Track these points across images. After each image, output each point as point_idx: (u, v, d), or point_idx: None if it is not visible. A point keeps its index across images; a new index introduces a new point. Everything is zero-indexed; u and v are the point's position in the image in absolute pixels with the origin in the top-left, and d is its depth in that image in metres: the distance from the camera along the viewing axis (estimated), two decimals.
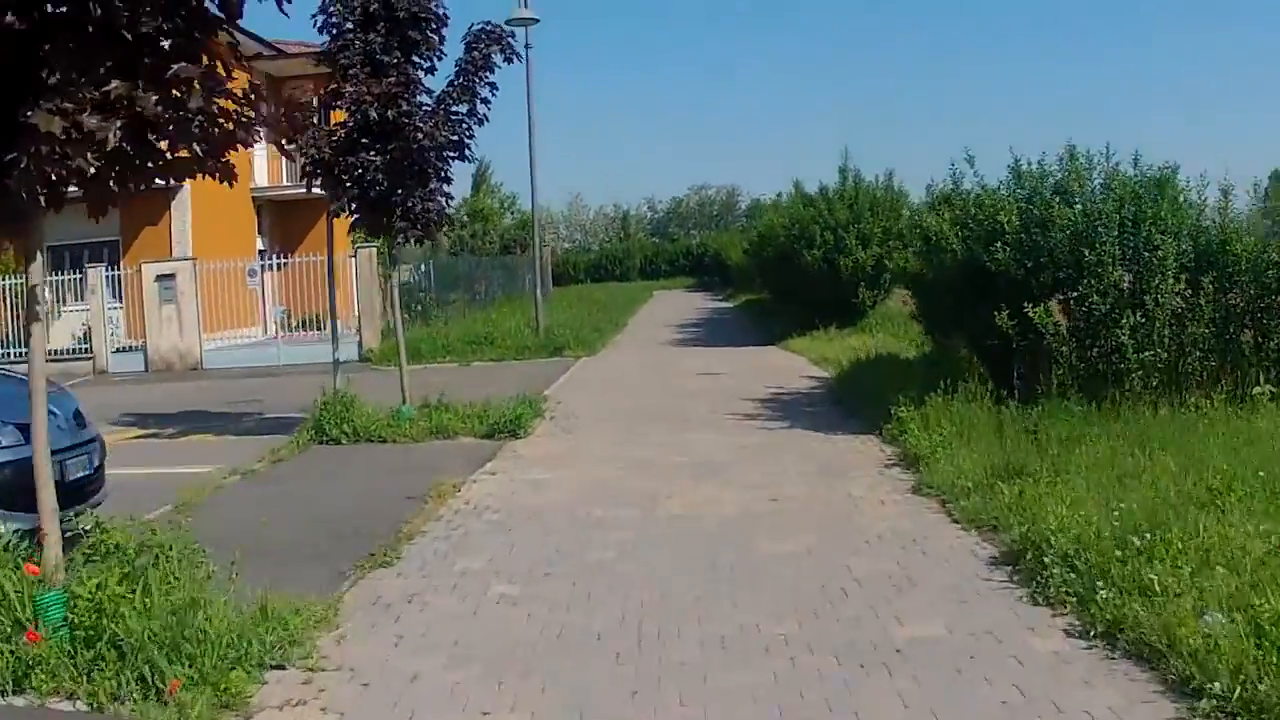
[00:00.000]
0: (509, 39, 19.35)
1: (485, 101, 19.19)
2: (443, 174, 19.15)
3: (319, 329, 37.61)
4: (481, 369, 32.31)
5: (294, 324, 47.95)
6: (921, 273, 20.12)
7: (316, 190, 20.02)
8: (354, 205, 19.01)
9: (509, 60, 19.41)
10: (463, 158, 19.65)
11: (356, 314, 38.40)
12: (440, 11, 18.93)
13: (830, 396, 21.83)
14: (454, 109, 19.01)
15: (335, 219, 20.63)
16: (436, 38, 18.95)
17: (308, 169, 19.34)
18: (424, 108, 18.65)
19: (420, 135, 18.05)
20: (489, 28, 19.30)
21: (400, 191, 18.48)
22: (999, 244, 15.89)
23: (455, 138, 18.94)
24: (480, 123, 19.33)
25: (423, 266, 71.05)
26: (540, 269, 40.56)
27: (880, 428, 16.64)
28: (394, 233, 19.48)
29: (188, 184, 41.64)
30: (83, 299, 38.34)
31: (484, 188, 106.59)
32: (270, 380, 31.65)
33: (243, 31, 8.76)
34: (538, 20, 35.13)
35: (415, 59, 18.81)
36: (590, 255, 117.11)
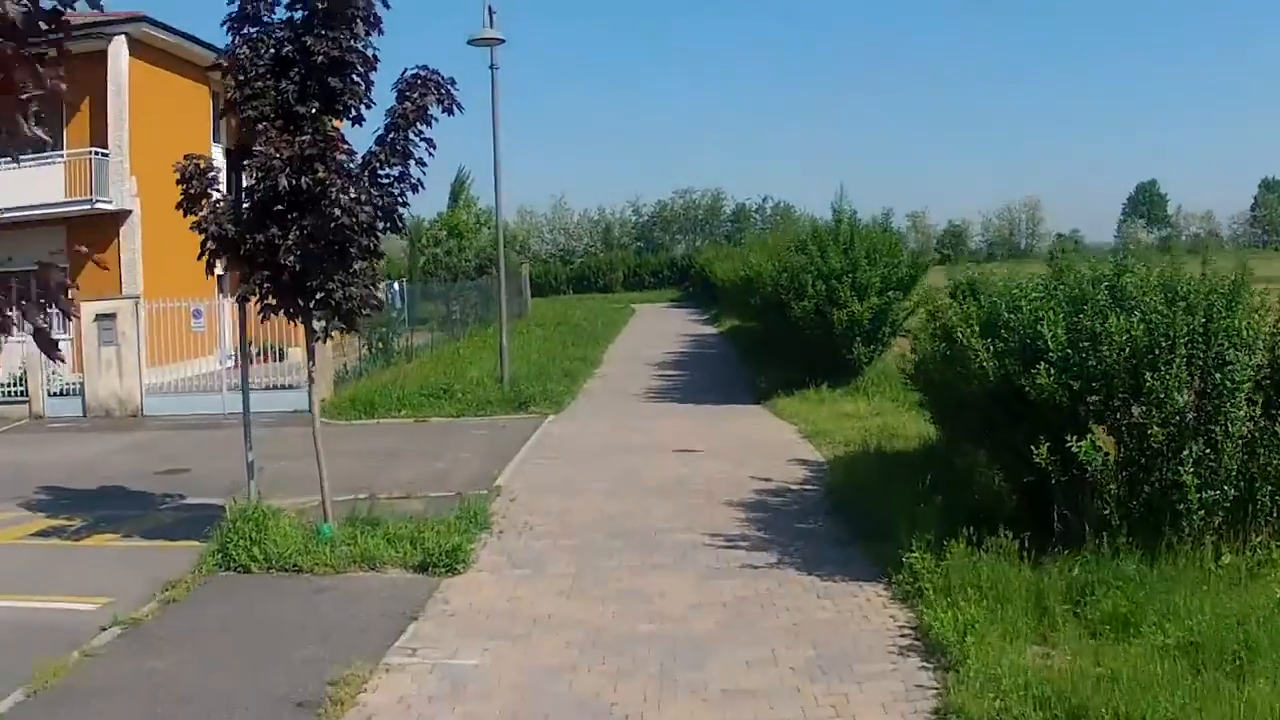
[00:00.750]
0: (448, 87, 16.31)
1: (421, 163, 16.22)
2: (370, 250, 16.09)
3: (280, 359, 35.02)
4: (438, 428, 29.49)
5: (255, 351, 45.68)
6: (937, 374, 16.60)
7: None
8: (265, 290, 16.00)
9: (449, 112, 16.45)
10: (394, 228, 16.71)
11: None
12: (369, 53, 16.01)
13: (826, 501, 18.60)
14: (383, 173, 16.04)
15: (244, 304, 17.25)
16: (362, 84, 16.04)
17: (208, 247, 16.15)
18: (346, 171, 15.65)
19: (338, 211, 15.03)
20: (424, 74, 16.29)
21: (319, 275, 15.53)
22: (1041, 365, 12.81)
23: (383, 206, 15.97)
24: (414, 188, 16.42)
25: (395, 285, 68.38)
26: (505, 311, 36.88)
27: (889, 574, 13.57)
28: (311, 324, 16.35)
29: (137, 208, 40.17)
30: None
31: (462, 199, 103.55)
32: (211, 435, 28.84)
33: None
34: (503, 40, 32.27)
35: (338, 108, 15.93)
36: (573, 266, 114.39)
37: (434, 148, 16.36)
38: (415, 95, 16.09)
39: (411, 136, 16.11)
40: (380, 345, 40.47)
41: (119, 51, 39.73)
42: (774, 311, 32.84)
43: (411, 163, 16.16)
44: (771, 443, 24.79)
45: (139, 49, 42.84)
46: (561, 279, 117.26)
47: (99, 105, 39.79)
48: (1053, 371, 12.69)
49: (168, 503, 20.77)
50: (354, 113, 16.19)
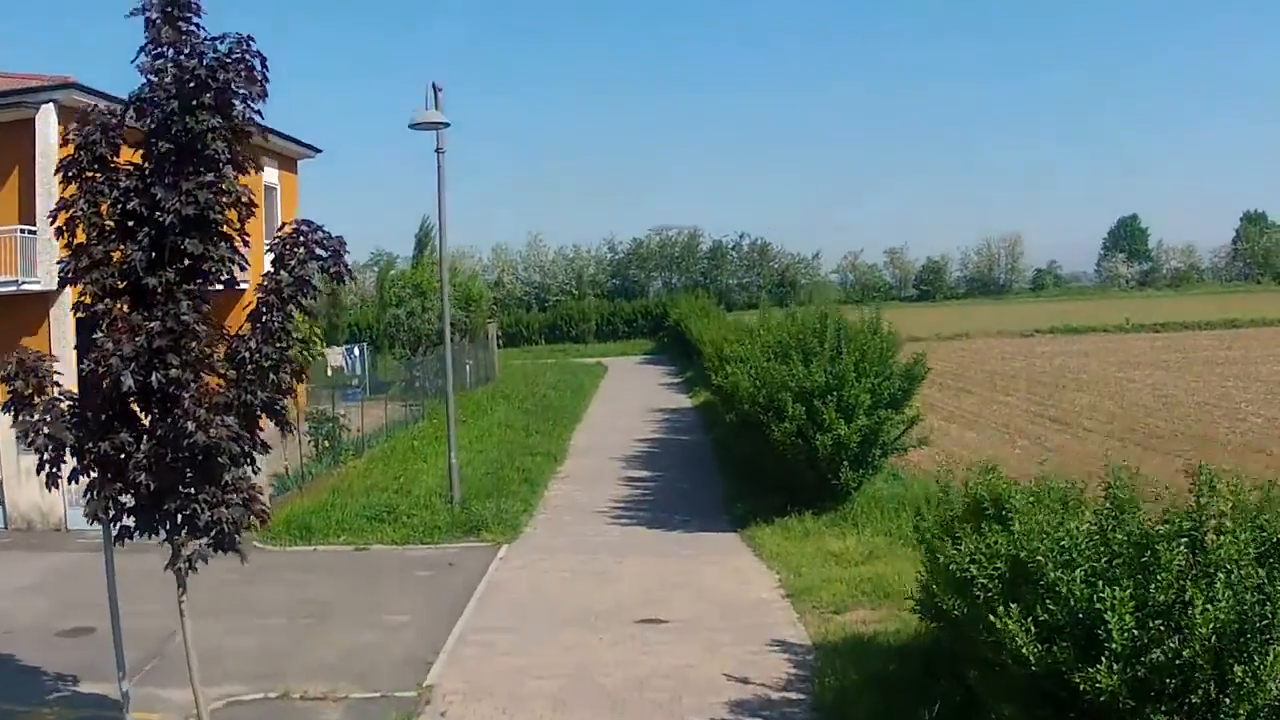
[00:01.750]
0: (337, 248, 13.29)
1: (305, 344, 13.11)
2: (244, 457, 12.87)
3: None
4: (378, 563, 26.34)
5: None
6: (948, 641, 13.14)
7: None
8: (116, 507, 12.75)
9: (338, 280, 13.41)
10: (277, 420, 13.56)
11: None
12: (244, 198, 13.04)
13: None
14: (254, 361, 12.86)
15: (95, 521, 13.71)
16: (229, 246, 13.06)
17: (43, 457, 12.75)
18: (208, 363, 12.47)
19: (192, 426, 11.84)
20: (306, 232, 13.29)
21: (178, 496, 12.35)
22: (1103, 662, 9.59)
23: (259, 403, 12.81)
24: (298, 375, 13.34)
25: (355, 350, 65.30)
26: (454, 416, 33.56)
27: None
28: (176, 548, 13.04)
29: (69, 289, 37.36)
30: None
31: (428, 251, 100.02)
32: (137, 563, 25.24)
33: None
34: (448, 124, 29.21)
35: (198, 278, 12.85)
36: (545, 316, 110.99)
37: (290, 427, 13.37)
38: (294, 262, 13.04)
39: (293, 312, 12.97)
40: (327, 444, 37.20)
41: (47, 119, 36.91)
42: (752, 430, 29.41)
43: (287, 345, 12.99)
44: (750, 607, 21.43)
45: (69, 116, 40.23)
46: (534, 329, 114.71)
47: (26, 178, 37.08)
48: (1116, 667, 9.52)
49: (57, 692, 17.59)
50: (224, 278, 13.05)
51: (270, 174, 50.37)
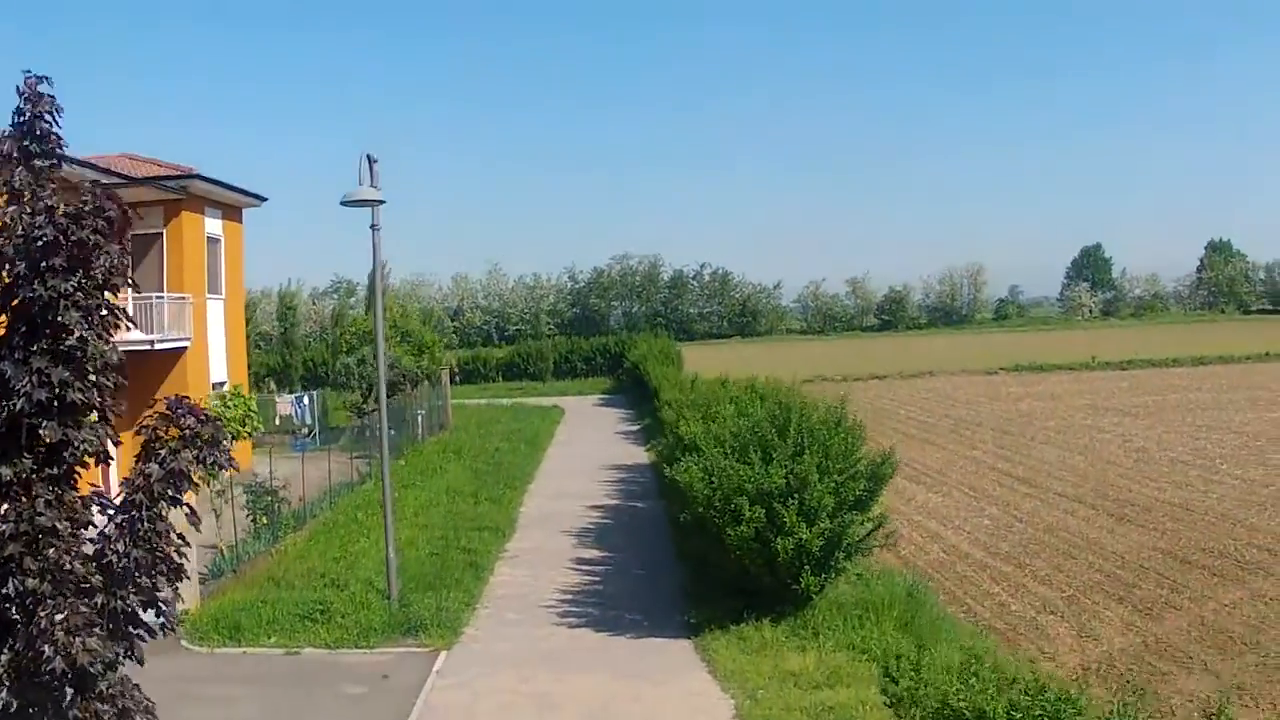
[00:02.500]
0: (214, 431, 11.45)
1: (183, 542, 11.34)
2: (121, 661, 11.04)
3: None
4: (304, 677, 24.28)
5: None
6: None
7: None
8: None
9: (220, 468, 11.65)
10: (163, 623, 11.70)
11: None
12: (114, 363, 11.32)
13: None
14: (121, 565, 10.95)
15: None
16: (89, 429, 11.26)
17: None
18: (68, 572, 10.60)
19: (49, 651, 9.92)
20: (177, 412, 11.59)
21: (47, 710, 10.50)
22: None
23: (125, 612, 10.96)
24: (177, 573, 11.48)
25: (305, 399, 63.48)
26: (391, 507, 31.54)
27: None
28: None
29: None
30: None
31: (380, 282, 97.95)
32: None
33: None
34: (383, 201, 27.52)
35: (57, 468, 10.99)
36: (503, 353, 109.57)
37: (198, 519, 11.60)
38: (165, 452, 11.23)
39: (164, 511, 11.17)
40: (264, 520, 35.35)
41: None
42: (708, 531, 27.46)
43: (169, 545, 11.17)
44: None
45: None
46: (491, 365, 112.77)
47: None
48: None
49: None
50: (89, 464, 11.27)
51: (214, 224, 48.79)
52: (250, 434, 35.40)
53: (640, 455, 55.32)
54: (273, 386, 72.17)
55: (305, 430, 63.19)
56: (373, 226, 27.52)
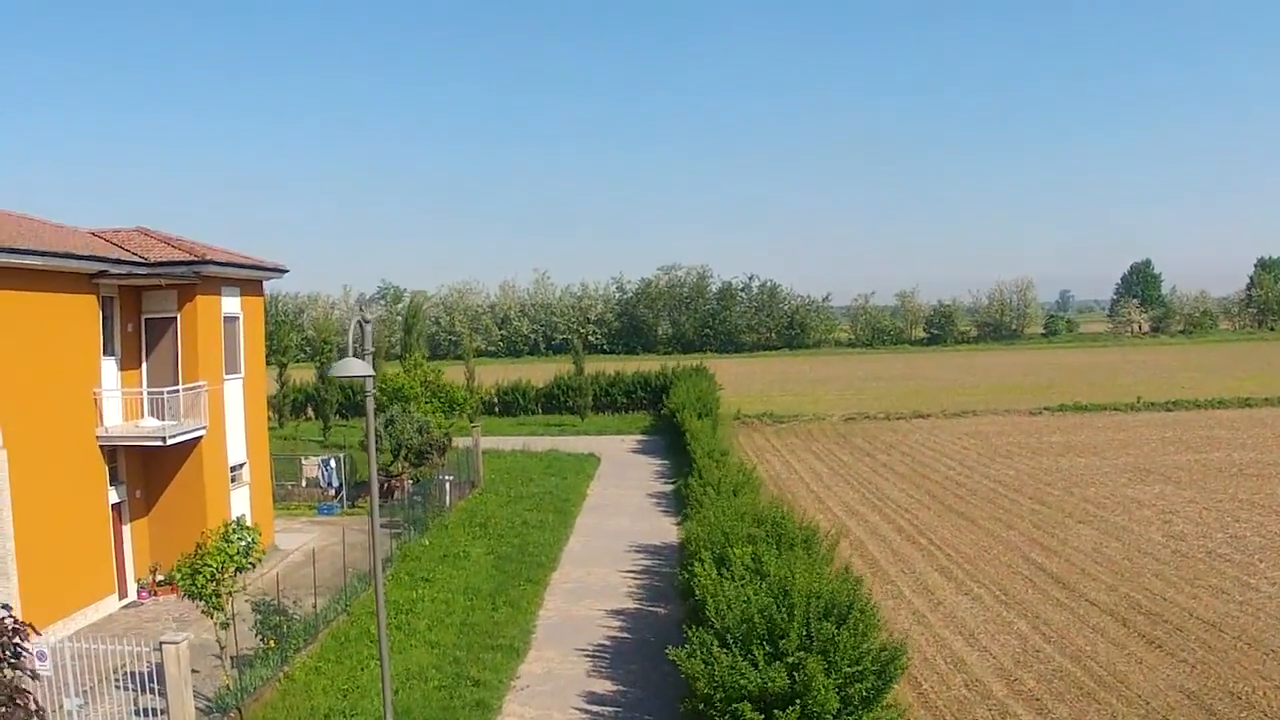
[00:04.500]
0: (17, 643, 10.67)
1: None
2: None
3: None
4: None
5: (160, 579, 41.20)
6: None
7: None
8: None
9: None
10: None
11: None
12: None
13: None
14: None
15: None
16: None
17: None
18: None
19: None
20: None
21: None
22: None
23: None
24: None
25: (331, 461, 62.75)
26: (385, 631, 30.55)
27: None
28: None
29: (3, 460, 34.83)
30: None
31: (417, 330, 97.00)
32: None
33: None
34: (373, 375, 26.51)
35: None
36: (542, 384, 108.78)
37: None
38: None
39: None
40: (273, 640, 34.39)
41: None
42: None
43: None
44: None
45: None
46: (531, 397, 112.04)
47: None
48: None
49: None
50: None
51: (231, 303, 47.90)
52: (253, 564, 34.47)
53: (669, 532, 54.17)
54: (305, 451, 71.29)
55: (332, 492, 62.53)
56: (366, 394, 26.35)
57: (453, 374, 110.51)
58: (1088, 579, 44.58)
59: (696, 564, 31.86)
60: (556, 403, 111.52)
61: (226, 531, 33.59)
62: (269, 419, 59.87)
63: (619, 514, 60.13)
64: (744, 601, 26.61)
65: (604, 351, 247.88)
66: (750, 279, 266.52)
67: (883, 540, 52.54)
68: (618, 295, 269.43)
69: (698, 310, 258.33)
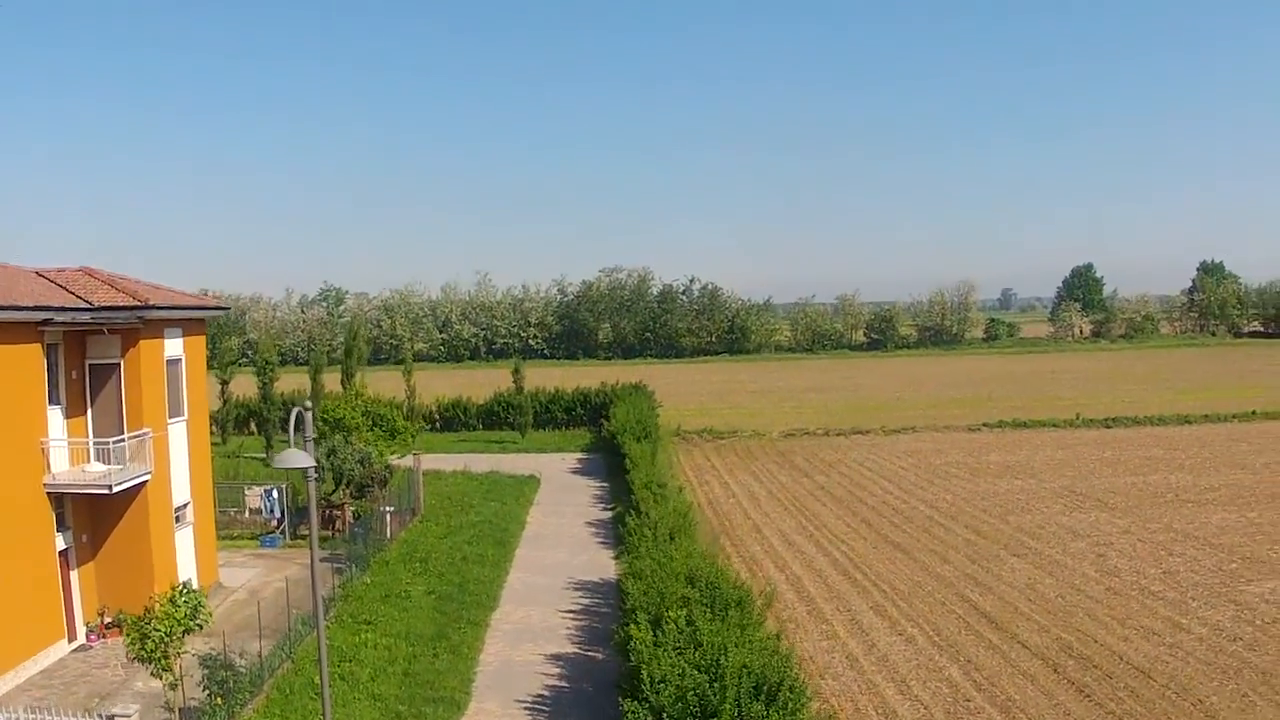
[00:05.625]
0: None
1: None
2: None
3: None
4: None
5: (108, 622, 41.49)
6: None
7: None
8: None
9: None
10: None
11: None
12: None
13: None
14: None
15: None
16: None
17: None
18: None
19: None
20: None
21: None
22: None
23: None
24: None
25: (274, 492, 62.97)
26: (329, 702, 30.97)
27: None
28: None
29: None
30: None
31: (355, 357, 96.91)
32: None
33: None
34: (317, 466, 26.92)
35: None
36: (481, 403, 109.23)
37: None
38: None
39: None
40: (219, 696, 34.55)
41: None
42: None
43: None
44: None
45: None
46: (472, 414, 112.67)
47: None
48: None
49: None
50: None
51: (174, 345, 48.18)
52: (200, 626, 34.85)
53: (607, 567, 54.66)
54: (249, 482, 71.36)
55: (275, 523, 62.81)
56: (307, 479, 26.78)
57: (393, 382, 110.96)
58: (1021, 618, 45.24)
59: (633, 626, 32.52)
60: (497, 419, 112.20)
61: (174, 595, 33.97)
62: (211, 433, 59.92)
63: (558, 545, 60.58)
64: (679, 674, 27.31)
65: (545, 356, 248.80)
66: (691, 281, 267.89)
67: (819, 575, 53.13)
68: (559, 298, 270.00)
69: (639, 313, 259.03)
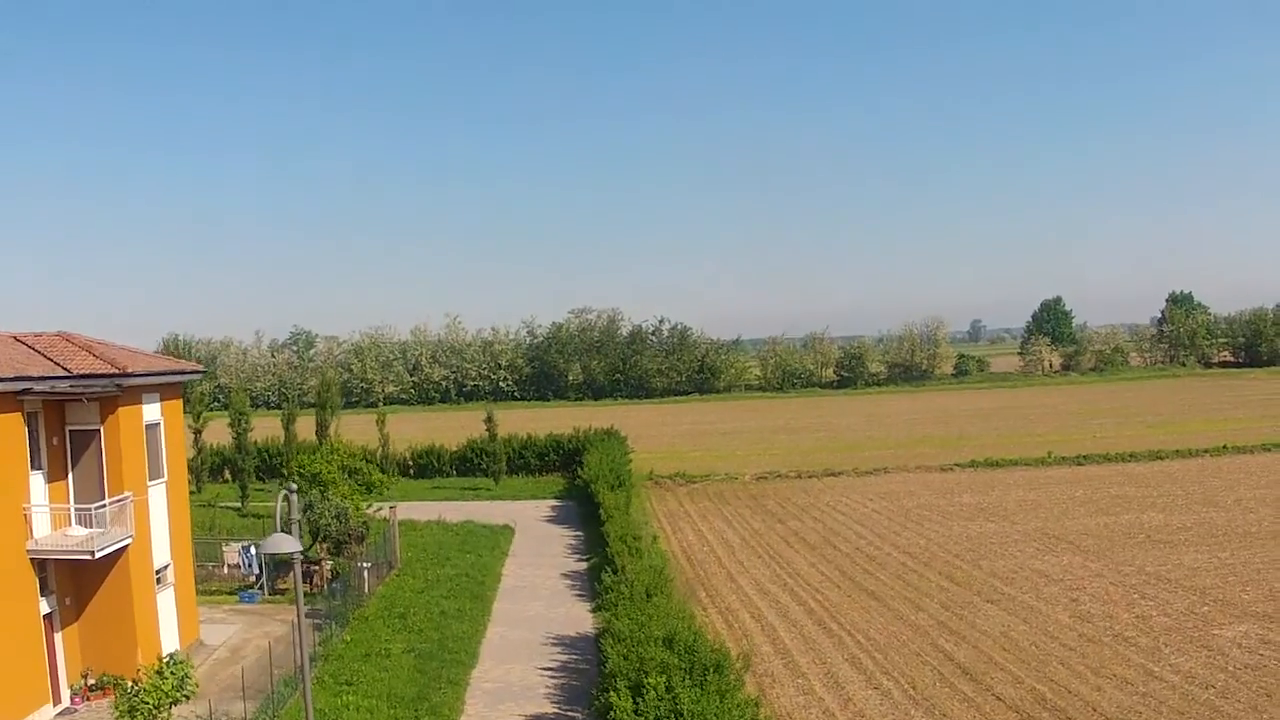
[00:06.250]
0: None
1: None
2: None
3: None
4: None
5: (92, 684, 41.74)
6: None
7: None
8: None
9: None
10: None
11: None
12: None
13: None
14: None
15: None
16: None
17: None
18: None
19: None
20: None
21: None
22: None
23: None
24: None
25: (252, 548, 63.29)
26: None
27: None
28: None
29: None
30: None
31: (329, 408, 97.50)
32: None
33: None
34: (304, 551, 27.39)
35: None
36: (454, 450, 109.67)
37: None
38: None
39: None
40: None
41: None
42: None
43: None
44: None
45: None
46: (445, 460, 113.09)
47: None
48: None
49: None
50: None
51: (152, 410, 48.49)
52: (188, 697, 35.23)
53: (584, 620, 54.89)
54: (226, 538, 71.53)
55: (254, 578, 63.10)
56: (294, 559, 27.14)
57: (364, 425, 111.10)
58: (995, 669, 45.62)
59: (613, 694, 32.98)
60: (470, 465, 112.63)
61: (161, 666, 34.32)
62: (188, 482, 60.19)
63: (535, 598, 60.85)
64: None
65: (515, 398, 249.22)
66: (661, 322, 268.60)
67: (794, 626, 53.42)
68: (529, 340, 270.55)
69: (609, 354, 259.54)
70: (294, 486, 27.07)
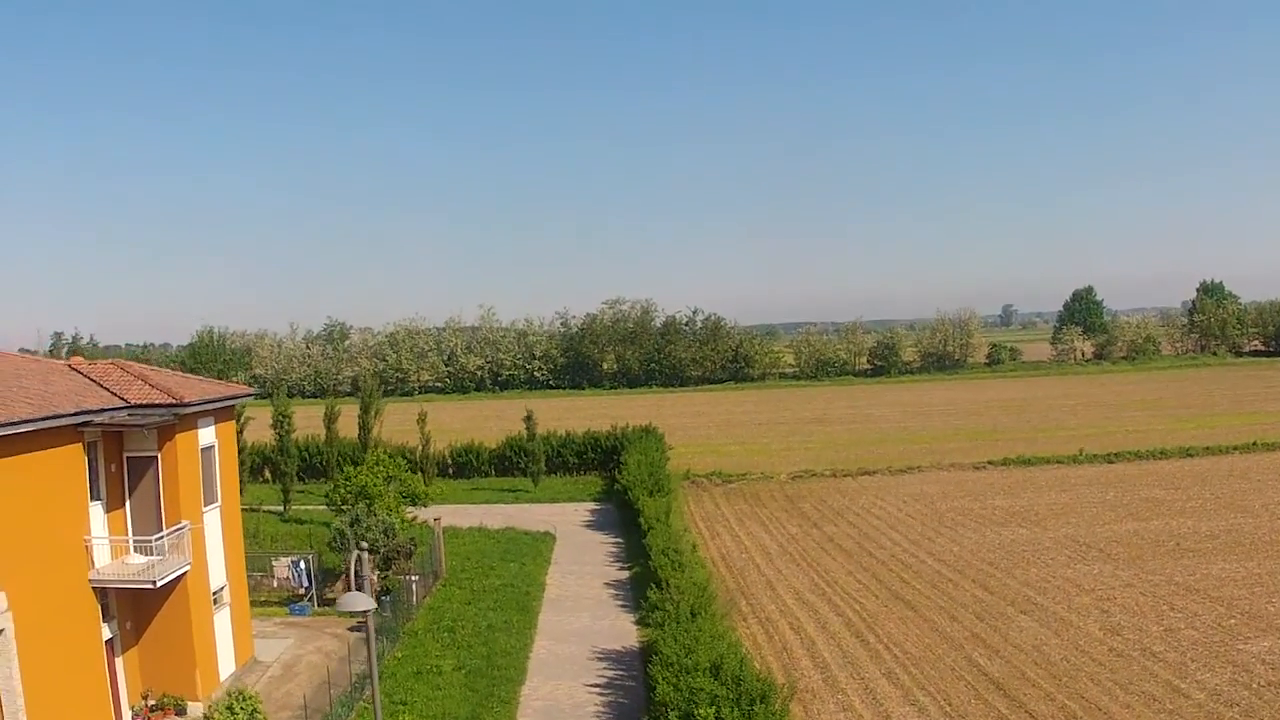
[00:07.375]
0: None
1: None
2: None
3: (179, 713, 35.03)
4: None
5: (153, 705, 43.10)
6: None
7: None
8: None
9: None
10: None
11: None
12: None
13: None
14: None
15: None
16: None
17: None
18: None
19: None
20: None
21: None
22: None
23: None
24: None
25: (301, 563, 64.59)
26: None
27: None
28: None
29: (9, 624, 36.08)
30: None
31: (373, 412, 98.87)
32: None
33: None
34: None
35: None
36: (493, 449, 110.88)
37: None
38: None
39: None
40: None
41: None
42: None
43: None
44: None
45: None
46: (484, 458, 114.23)
47: None
48: None
49: None
50: None
51: (207, 434, 49.75)
52: None
53: (629, 633, 55.95)
54: (275, 554, 72.73)
55: (303, 590, 64.37)
56: (365, 620, 28.31)
57: (399, 414, 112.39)
58: (1027, 685, 46.58)
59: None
60: (509, 464, 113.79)
61: (231, 702, 35.62)
62: None
63: (579, 609, 61.93)
64: None
65: (550, 387, 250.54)
66: (695, 312, 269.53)
67: (832, 638, 54.36)
68: (562, 330, 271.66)
69: (643, 345, 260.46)
70: (365, 545, 28.31)
